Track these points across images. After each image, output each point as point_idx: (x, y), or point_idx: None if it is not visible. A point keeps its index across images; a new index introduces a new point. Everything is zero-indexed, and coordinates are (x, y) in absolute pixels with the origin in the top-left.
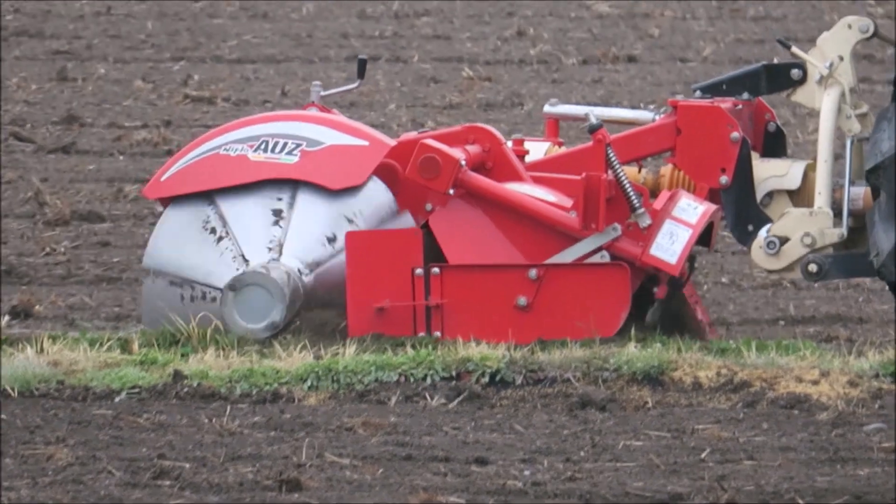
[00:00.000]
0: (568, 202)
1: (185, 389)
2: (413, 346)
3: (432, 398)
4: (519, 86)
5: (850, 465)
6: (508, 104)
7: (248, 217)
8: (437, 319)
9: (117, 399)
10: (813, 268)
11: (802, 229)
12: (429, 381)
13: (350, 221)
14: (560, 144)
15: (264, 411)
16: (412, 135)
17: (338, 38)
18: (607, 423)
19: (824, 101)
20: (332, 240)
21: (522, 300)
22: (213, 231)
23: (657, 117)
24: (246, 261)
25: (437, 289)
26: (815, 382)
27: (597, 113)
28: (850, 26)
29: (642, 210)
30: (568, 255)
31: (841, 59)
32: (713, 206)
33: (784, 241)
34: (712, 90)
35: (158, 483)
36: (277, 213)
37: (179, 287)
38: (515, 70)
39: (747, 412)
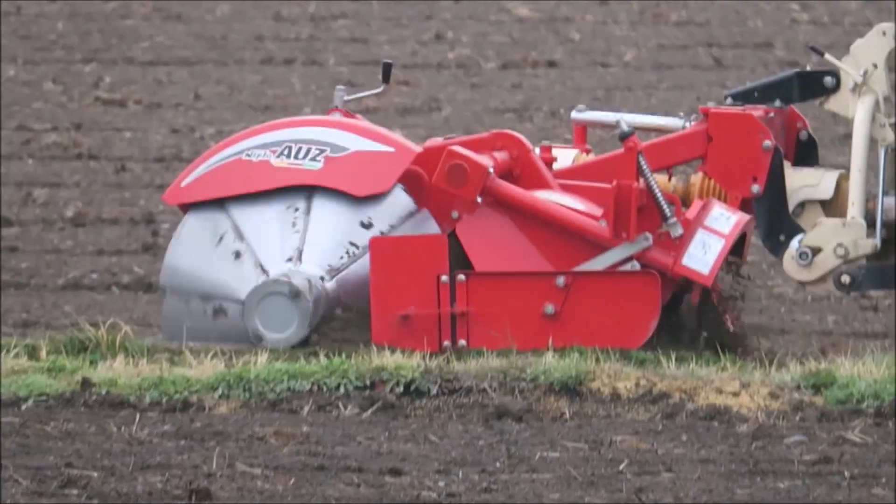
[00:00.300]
0: (597, 211)
1: (94, 397)
2: (326, 355)
3: (346, 408)
4: (437, 90)
5: (770, 478)
6: (426, 109)
7: (264, 226)
8: (462, 327)
9: (24, 406)
10: (846, 279)
11: (835, 240)
12: (342, 390)
13: (366, 227)
14: (588, 151)
15: (174, 420)
16: (438, 141)
17: (253, 41)
18: (524, 434)
19: (858, 110)
20: (351, 244)
21: (550, 308)
22: (230, 242)
23: (687, 124)
24: (265, 271)
25: (463, 296)
26: (736, 394)
27: (626, 119)
28: (884, 33)
29: (674, 219)
30: (597, 264)
31: (875, 66)
32: (746, 216)
33: (816, 251)
34: (744, 97)
35: (66, 492)
36: (294, 220)
37: (201, 302)
38: (433, 74)
39: (666, 424)
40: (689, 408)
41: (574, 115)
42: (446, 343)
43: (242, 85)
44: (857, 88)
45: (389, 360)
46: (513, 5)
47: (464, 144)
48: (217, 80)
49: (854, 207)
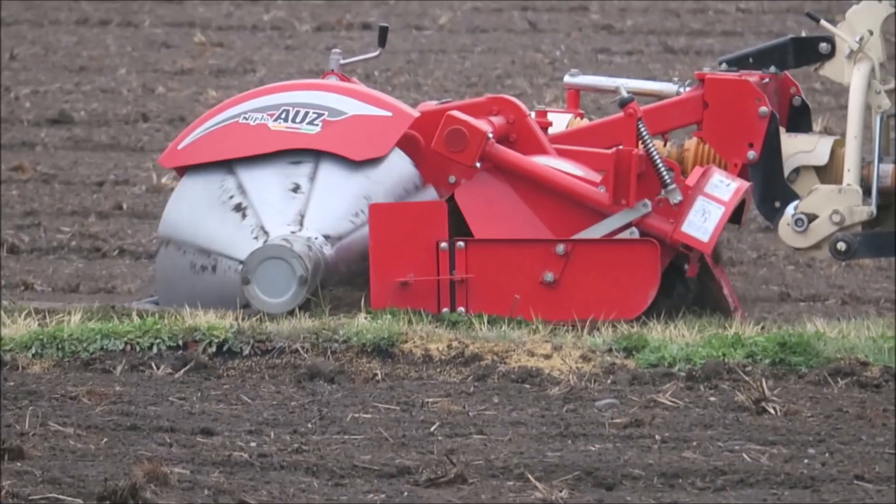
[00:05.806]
0: (595, 176)
1: None
2: (140, 315)
3: (158, 368)
4: (251, 52)
5: (581, 441)
6: (241, 70)
7: (268, 188)
8: (461, 295)
9: None
10: (842, 246)
11: (831, 206)
12: (155, 350)
13: (367, 198)
14: (581, 116)
15: None
16: (432, 104)
17: (68, 1)
18: (335, 395)
19: (853, 77)
20: (354, 214)
21: (549, 276)
22: (233, 201)
23: (682, 90)
24: (266, 232)
25: (462, 263)
26: (548, 356)
27: (620, 83)
28: (879, 0)
29: (673, 186)
30: (596, 231)
31: (870, 33)
32: (746, 184)
33: (812, 218)
34: (739, 63)
35: None
36: (299, 184)
37: (195, 257)
38: (248, 36)
39: (478, 386)
40: (500, 370)
41: (567, 79)
42: (445, 310)
43: (57, 45)
44: (852, 55)
45: (202, 320)
46: None
47: (460, 109)
48: (32, 40)
49: (850, 174)
